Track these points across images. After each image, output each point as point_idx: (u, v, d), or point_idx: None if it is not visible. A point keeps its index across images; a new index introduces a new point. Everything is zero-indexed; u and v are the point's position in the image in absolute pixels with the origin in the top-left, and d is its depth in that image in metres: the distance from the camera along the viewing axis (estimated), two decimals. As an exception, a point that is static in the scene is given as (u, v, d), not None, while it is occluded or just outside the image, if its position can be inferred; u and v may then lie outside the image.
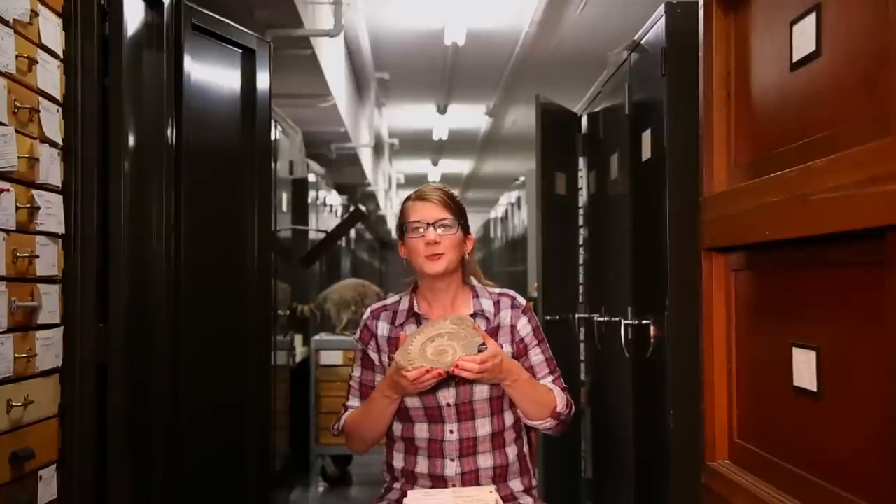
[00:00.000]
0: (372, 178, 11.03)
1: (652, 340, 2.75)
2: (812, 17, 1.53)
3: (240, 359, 2.88)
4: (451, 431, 2.21)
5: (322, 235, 5.91)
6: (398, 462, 2.27)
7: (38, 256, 1.92)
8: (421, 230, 2.21)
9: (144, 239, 2.37)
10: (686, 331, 2.41)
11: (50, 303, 1.99)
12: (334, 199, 7.71)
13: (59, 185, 2.04)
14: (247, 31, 2.91)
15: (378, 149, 11.50)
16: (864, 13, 1.38)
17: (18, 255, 1.84)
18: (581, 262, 3.99)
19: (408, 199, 2.28)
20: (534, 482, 2.31)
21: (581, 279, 3.97)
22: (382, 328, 2.30)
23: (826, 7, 1.49)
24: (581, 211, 3.99)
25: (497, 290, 2.32)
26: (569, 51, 7.51)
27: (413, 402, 2.21)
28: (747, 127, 1.84)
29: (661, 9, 2.60)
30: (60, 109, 2.05)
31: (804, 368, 1.56)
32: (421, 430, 2.23)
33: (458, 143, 12.69)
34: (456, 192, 2.33)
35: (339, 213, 7.78)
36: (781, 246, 1.61)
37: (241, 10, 4.10)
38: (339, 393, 5.09)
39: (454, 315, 2.17)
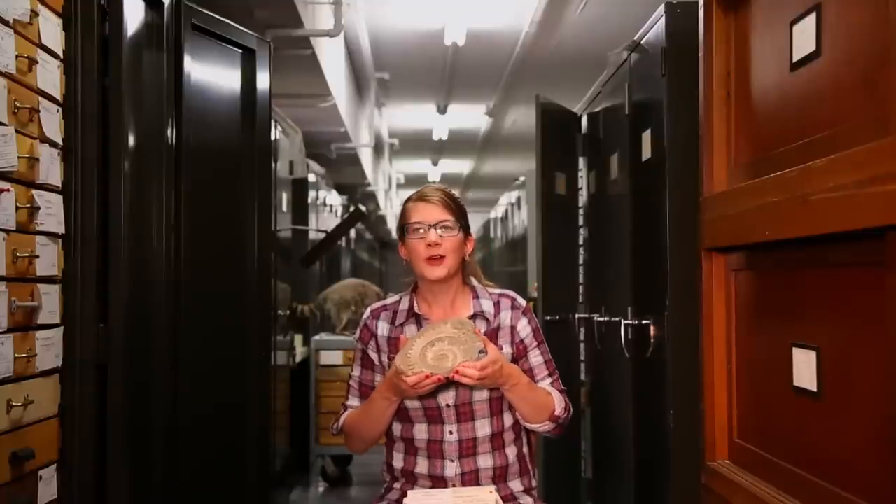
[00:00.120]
0: (372, 178, 11.03)
1: (652, 340, 2.75)
2: (812, 17, 1.53)
3: (240, 359, 2.88)
4: (451, 432, 2.21)
5: (322, 235, 5.91)
6: (398, 462, 2.27)
7: (38, 256, 1.92)
8: (422, 231, 2.20)
9: (144, 239, 2.37)
10: (686, 331, 2.41)
11: (50, 303, 1.99)
12: (334, 199, 7.71)
13: (59, 185, 2.04)
14: (247, 31, 2.91)
15: (378, 149, 11.50)
16: (864, 13, 1.38)
17: (18, 255, 1.84)
18: (581, 262, 3.99)
19: (409, 199, 2.28)
20: (534, 482, 2.31)
21: (581, 279, 3.97)
22: (382, 328, 2.30)
23: (826, 7, 1.49)
24: (581, 211, 3.99)
25: (497, 291, 2.32)
26: (569, 51, 7.51)
27: (412, 403, 2.21)
28: (747, 127, 1.84)
29: (661, 9, 2.60)
30: (60, 109, 2.05)
31: (804, 368, 1.56)
32: (420, 431, 2.23)
33: (458, 143, 12.69)
34: (456, 193, 2.33)
35: (339, 213, 7.78)
36: (781, 246, 1.61)
37: (241, 10, 4.10)
38: (339, 393, 5.09)
39: (455, 318, 2.17)
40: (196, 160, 2.57)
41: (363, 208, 6.96)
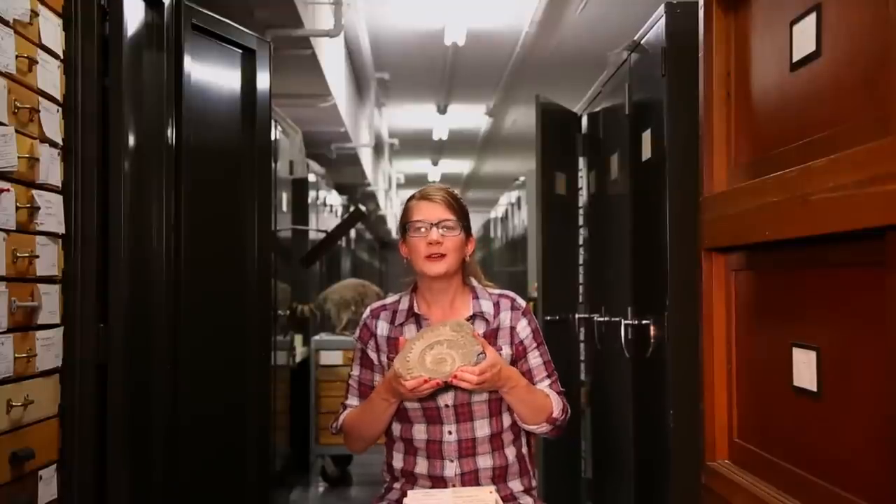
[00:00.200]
0: (372, 178, 11.03)
1: (652, 340, 2.75)
2: (812, 17, 1.53)
3: (240, 359, 2.88)
4: (450, 432, 2.21)
5: (322, 235, 5.91)
6: (398, 462, 2.27)
7: (38, 256, 1.92)
8: (423, 230, 2.20)
9: (144, 239, 2.37)
10: (686, 331, 2.41)
11: (50, 303, 1.99)
12: (334, 199, 7.71)
13: (59, 185, 2.04)
14: (247, 31, 2.91)
15: (378, 149, 11.50)
16: (864, 13, 1.38)
17: (18, 255, 1.84)
18: (581, 262, 3.99)
19: (412, 197, 2.28)
20: (534, 482, 2.31)
21: (581, 279, 3.97)
22: (382, 328, 2.30)
23: (826, 7, 1.49)
24: (581, 211, 3.99)
25: (497, 292, 2.32)
26: (569, 51, 7.50)
27: (411, 404, 2.21)
28: (747, 127, 1.84)
29: (661, 9, 2.60)
30: (60, 109, 2.05)
31: (804, 368, 1.56)
32: (419, 431, 2.23)
33: (458, 143, 12.69)
34: (458, 193, 2.33)
35: (339, 213, 7.78)
36: (781, 246, 1.61)
37: (241, 10, 4.10)
38: (339, 393, 5.07)
39: (454, 321, 2.16)
40: (196, 160, 2.56)
41: (363, 208, 6.96)
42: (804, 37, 1.55)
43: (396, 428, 2.26)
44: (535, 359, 2.27)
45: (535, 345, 2.28)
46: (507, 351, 2.25)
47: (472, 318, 2.24)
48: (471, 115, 10.80)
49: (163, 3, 2.46)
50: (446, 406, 2.20)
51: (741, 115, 1.87)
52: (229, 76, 2.87)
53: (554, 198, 3.80)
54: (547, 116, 3.79)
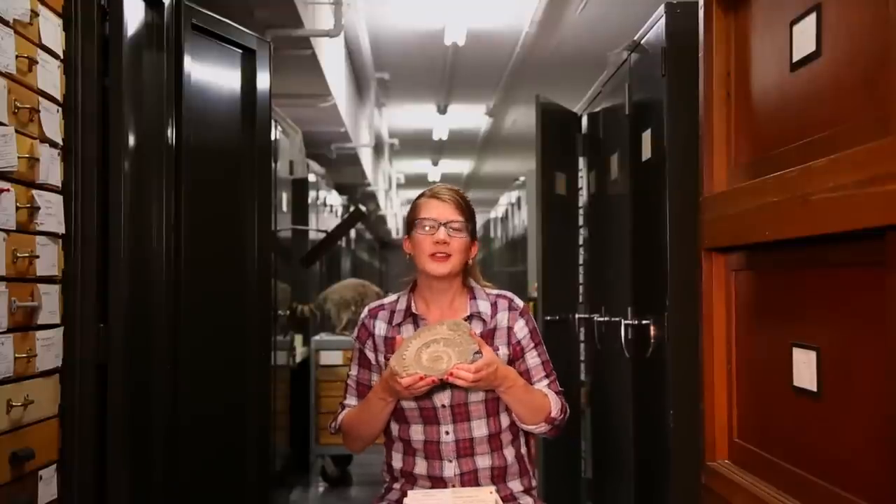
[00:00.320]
0: (372, 178, 11.03)
1: (652, 340, 2.75)
2: (812, 18, 1.53)
3: (240, 359, 2.88)
4: (447, 433, 2.21)
5: (322, 235, 5.91)
6: (397, 462, 2.27)
7: (38, 256, 1.92)
8: (430, 228, 2.20)
9: (144, 239, 2.37)
10: (686, 331, 2.41)
11: (50, 303, 1.99)
12: (334, 199, 7.71)
13: (59, 185, 2.04)
14: (247, 31, 2.91)
15: (378, 149, 11.50)
16: (864, 13, 1.38)
17: (18, 255, 1.84)
18: (581, 262, 3.99)
19: (422, 195, 2.28)
20: (534, 483, 2.31)
21: (581, 279, 3.97)
22: (380, 327, 2.30)
23: (826, 7, 1.49)
24: (581, 211, 3.99)
25: (495, 292, 2.31)
26: (569, 51, 7.51)
27: (408, 404, 2.20)
28: (747, 127, 1.84)
29: (661, 9, 2.60)
30: (60, 109, 2.05)
31: (804, 368, 1.56)
32: (416, 432, 2.23)
33: (458, 143, 12.69)
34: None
35: (339, 213, 7.78)
36: (781, 246, 1.61)
37: (241, 10, 4.10)
38: (339, 393, 5.05)
39: (451, 320, 2.16)
40: (196, 160, 2.57)
41: (363, 208, 6.96)
42: (804, 37, 1.55)
43: (395, 428, 2.26)
44: (532, 359, 2.27)
45: (532, 345, 2.28)
46: (503, 351, 2.24)
47: (469, 318, 2.24)
48: (471, 115, 10.80)
49: (163, 3, 2.46)
50: (443, 406, 2.20)
51: (741, 115, 1.87)
52: (229, 76, 2.87)
53: (554, 198, 3.80)
54: (547, 116, 3.79)
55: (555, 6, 6.54)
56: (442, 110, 10.30)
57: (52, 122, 2.00)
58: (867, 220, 1.28)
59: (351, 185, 10.60)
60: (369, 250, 13.01)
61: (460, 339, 2.09)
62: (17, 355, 1.83)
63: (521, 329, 2.27)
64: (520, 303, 2.30)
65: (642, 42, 2.84)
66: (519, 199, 8.61)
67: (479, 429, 2.22)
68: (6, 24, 1.81)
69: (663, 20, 2.59)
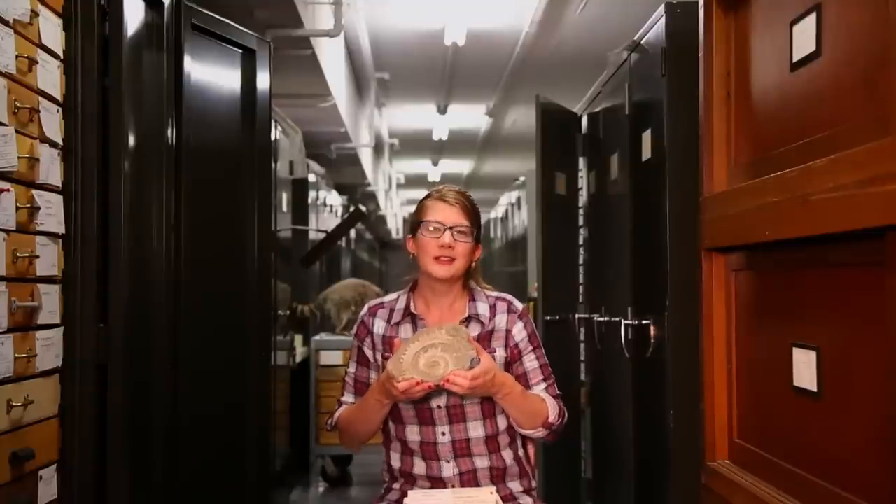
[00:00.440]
0: (372, 178, 11.03)
1: (652, 340, 2.75)
2: (812, 17, 1.53)
3: (240, 359, 2.88)
4: (444, 434, 2.21)
5: (322, 235, 5.91)
6: (396, 462, 2.27)
7: (38, 256, 1.92)
8: (436, 231, 2.20)
9: (144, 239, 2.37)
10: (686, 331, 2.41)
11: (50, 303, 1.99)
12: (334, 199, 7.71)
13: (59, 185, 2.04)
14: (247, 31, 2.91)
15: (378, 149, 11.49)
16: (864, 13, 1.38)
17: (18, 255, 1.84)
18: (581, 262, 3.99)
19: (428, 196, 2.28)
20: (533, 483, 2.31)
21: (581, 279, 3.97)
22: (379, 326, 2.29)
23: (826, 7, 1.49)
24: (581, 211, 3.99)
25: (494, 294, 2.31)
26: (569, 51, 7.50)
27: (404, 404, 2.20)
28: (747, 127, 1.84)
29: (661, 9, 2.60)
30: (60, 109, 2.05)
31: (804, 368, 1.56)
32: (413, 433, 2.23)
33: (458, 143, 12.68)
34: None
35: (339, 213, 7.78)
36: (781, 246, 1.61)
37: (241, 10, 4.10)
38: (338, 393, 5.08)
39: (449, 325, 2.16)
40: (196, 160, 2.57)
41: (363, 208, 6.96)
42: (804, 37, 1.55)
43: (392, 428, 2.26)
44: (531, 362, 2.27)
45: (531, 348, 2.27)
46: (500, 353, 2.24)
47: (468, 319, 2.24)
48: (471, 115, 10.80)
49: (163, 3, 2.46)
50: (438, 407, 2.20)
51: (741, 115, 1.87)
52: (229, 76, 2.87)
53: (554, 198, 3.80)
54: (547, 116, 3.79)
55: (555, 6, 6.54)
56: (442, 110, 10.30)
57: (52, 122, 2.00)
58: (867, 220, 1.28)
59: (351, 185, 10.60)
60: (369, 250, 13.01)
61: (458, 345, 2.09)
62: (17, 355, 1.83)
63: (519, 332, 2.26)
64: (519, 305, 2.30)
65: (642, 42, 2.84)
66: (519, 199, 8.61)
67: (476, 430, 2.21)
68: (6, 24, 1.81)
69: (663, 20, 2.59)
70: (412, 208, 2.41)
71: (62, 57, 2.06)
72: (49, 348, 1.98)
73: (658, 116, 2.65)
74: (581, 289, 3.97)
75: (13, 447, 1.82)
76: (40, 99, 1.95)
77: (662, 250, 2.58)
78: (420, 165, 15.57)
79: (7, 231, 1.81)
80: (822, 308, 1.52)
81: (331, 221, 6.91)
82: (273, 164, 4.11)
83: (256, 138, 2.94)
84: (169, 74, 2.48)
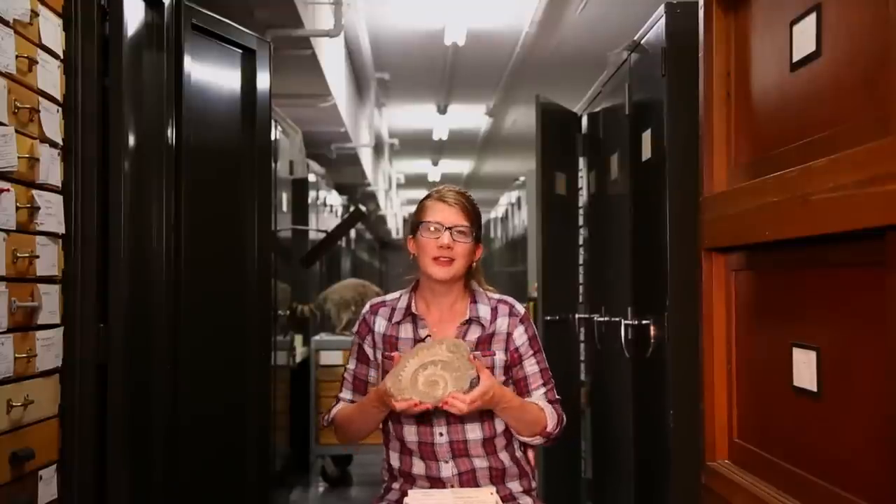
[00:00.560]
0: (372, 178, 11.03)
1: (652, 340, 2.75)
2: (812, 18, 1.53)
3: (240, 359, 2.88)
4: (441, 434, 2.21)
5: (322, 235, 5.91)
6: (395, 462, 2.27)
7: (38, 256, 1.92)
8: (436, 231, 2.20)
9: (144, 239, 2.37)
10: (686, 331, 2.41)
11: (50, 303, 1.99)
12: (334, 199, 7.71)
13: (59, 185, 2.04)
14: (247, 31, 2.91)
15: (378, 149, 11.49)
16: (864, 13, 1.38)
17: (18, 255, 1.84)
18: (581, 262, 3.99)
19: (428, 196, 2.27)
20: (533, 483, 2.31)
21: (581, 279, 3.97)
22: (380, 324, 2.29)
23: (826, 7, 1.49)
24: (581, 211, 3.99)
25: (496, 297, 2.31)
26: (569, 51, 7.50)
27: None
28: (747, 127, 1.84)
29: (661, 9, 2.60)
30: (60, 109, 2.05)
31: (804, 368, 1.56)
32: (410, 433, 2.23)
33: (458, 143, 12.68)
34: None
35: (339, 213, 7.78)
36: (781, 246, 1.61)
37: (241, 10, 4.10)
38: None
39: (451, 341, 2.14)
40: (196, 160, 2.57)
41: (363, 208, 6.96)
42: (804, 37, 1.55)
43: (391, 427, 2.27)
44: (531, 366, 2.26)
45: (531, 352, 2.27)
46: (500, 356, 2.24)
47: (469, 322, 2.24)
48: (471, 115, 10.80)
49: (163, 3, 2.46)
50: (436, 408, 2.20)
51: (741, 115, 1.87)
52: (229, 76, 2.87)
53: (554, 198, 3.80)
54: (547, 116, 3.79)
55: (555, 6, 6.54)
56: (442, 110, 10.29)
57: (52, 122, 2.00)
58: (867, 220, 1.28)
59: (351, 185, 10.59)
60: (369, 250, 13.01)
61: (458, 363, 2.08)
62: (17, 355, 1.83)
63: (520, 336, 2.26)
64: (521, 309, 2.30)
65: (642, 42, 2.84)
66: (519, 199, 8.61)
67: (473, 431, 2.21)
68: (6, 24, 1.81)
69: (663, 20, 2.59)
70: (412, 208, 2.41)
71: (62, 57, 2.06)
72: (49, 348, 1.98)
73: (658, 116, 2.65)
74: (581, 289, 3.97)
75: (13, 447, 1.82)
76: (40, 99, 1.95)
77: (662, 250, 2.58)
78: (420, 165, 15.57)
79: (7, 231, 1.81)
80: (822, 308, 1.52)
81: (331, 221, 6.91)
82: (273, 164, 4.11)
83: (256, 138, 2.94)
84: (169, 74, 2.48)
